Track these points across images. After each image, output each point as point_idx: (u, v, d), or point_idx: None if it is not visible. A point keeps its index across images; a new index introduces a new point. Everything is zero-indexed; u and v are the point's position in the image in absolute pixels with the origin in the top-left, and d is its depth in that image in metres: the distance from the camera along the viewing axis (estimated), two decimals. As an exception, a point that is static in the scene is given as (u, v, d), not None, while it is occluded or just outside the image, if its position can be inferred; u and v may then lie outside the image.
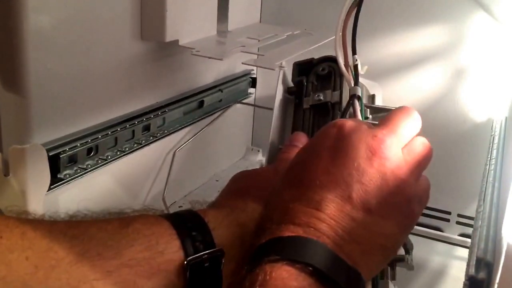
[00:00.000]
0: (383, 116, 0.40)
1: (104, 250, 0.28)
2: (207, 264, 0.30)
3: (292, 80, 0.46)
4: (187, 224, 0.31)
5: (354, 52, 0.43)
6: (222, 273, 0.31)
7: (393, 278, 0.34)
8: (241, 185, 0.37)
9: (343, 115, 0.41)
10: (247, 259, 0.28)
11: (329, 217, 0.28)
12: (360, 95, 0.41)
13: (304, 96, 0.44)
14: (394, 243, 0.30)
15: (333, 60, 0.45)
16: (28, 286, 0.25)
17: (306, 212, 0.28)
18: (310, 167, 0.30)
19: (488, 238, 0.28)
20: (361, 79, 0.43)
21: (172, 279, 0.30)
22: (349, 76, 0.42)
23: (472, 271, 0.26)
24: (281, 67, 0.46)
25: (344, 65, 0.42)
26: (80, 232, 0.28)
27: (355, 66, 0.42)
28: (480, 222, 0.31)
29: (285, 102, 0.45)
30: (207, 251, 0.30)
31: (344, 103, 0.42)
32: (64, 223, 0.29)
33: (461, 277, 0.30)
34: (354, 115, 0.39)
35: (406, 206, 0.30)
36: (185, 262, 0.30)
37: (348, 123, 0.31)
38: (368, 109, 0.42)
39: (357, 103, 0.40)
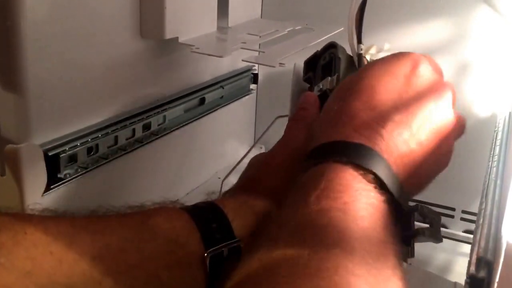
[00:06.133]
0: None
1: (126, 244, 0.28)
2: (227, 255, 0.31)
3: (303, 79, 0.46)
4: (207, 216, 0.32)
5: (359, 41, 0.43)
6: None
7: (411, 255, 0.32)
8: (252, 173, 0.38)
9: None
10: (307, 154, 0.30)
11: (389, 138, 0.30)
12: None
13: (312, 91, 0.44)
14: (431, 177, 0.33)
15: (333, 46, 0.45)
16: (53, 280, 0.26)
17: (371, 126, 0.30)
18: (386, 85, 0.32)
19: (489, 237, 0.28)
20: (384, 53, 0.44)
21: (193, 271, 0.30)
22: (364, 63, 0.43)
23: (473, 269, 0.26)
24: (281, 64, 0.46)
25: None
26: (102, 227, 0.29)
27: (359, 55, 0.43)
28: (481, 220, 0.30)
29: None
30: (226, 243, 0.31)
31: None
32: (85, 218, 0.30)
33: (465, 274, 0.30)
34: None
35: (448, 145, 0.33)
36: (205, 254, 0.30)
37: (424, 60, 0.33)
38: None
39: None
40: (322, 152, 0.30)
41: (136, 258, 0.28)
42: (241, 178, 0.39)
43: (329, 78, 0.42)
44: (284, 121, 0.48)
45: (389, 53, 0.46)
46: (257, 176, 0.37)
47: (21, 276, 0.25)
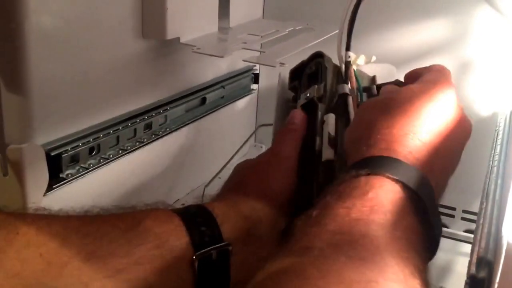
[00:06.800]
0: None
1: (116, 248, 0.29)
2: (215, 259, 0.31)
3: (288, 88, 0.47)
4: (197, 219, 0.32)
5: (348, 48, 0.43)
6: (230, 266, 0.32)
7: None
8: (241, 178, 0.39)
9: (332, 111, 0.41)
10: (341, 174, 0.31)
11: (422, 146, 0.32)
12: (347, 92, 0.41)
13: (298, 99, 0.44)
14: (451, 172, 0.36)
15: (320, 55, 0.46)
16: (41, 282, 0.26)
17: (402, 141, 0.32)
18: (406, 106, 0.34)
19: (490, 236, 0.27)
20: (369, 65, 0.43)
21: (181, 275, 0.31)
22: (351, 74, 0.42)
23: (473, 269, 0.26)
24: (281, 63, 0.46)
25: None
26: (93, 230, 0.29)
27: (347, 63, 0.43)
28: (482, 220, 0.30)
29: (289, 109, 0.46)
30: (215, 246, 0.31)
31: (331, 92, 0.43)
32: (78, 220, 0.30)
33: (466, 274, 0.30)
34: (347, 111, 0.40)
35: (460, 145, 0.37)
36: (194, 257, 0.31)
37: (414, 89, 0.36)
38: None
39: (350, 100, 0.40)
40: (356, 168, 0.30)
41: (125, 263, 0.29)
42: (227, 183, 0.39)
43: (316, 86, 0.43)
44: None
45: (375, 65, 0.47)
46: (245, 181, 0.38)
47: (9, 277, 0.25)
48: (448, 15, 0.61)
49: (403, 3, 0.62)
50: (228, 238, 0.32)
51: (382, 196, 0.28)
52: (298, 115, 0.42)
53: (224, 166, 0.56)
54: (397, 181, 0.29)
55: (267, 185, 0.37)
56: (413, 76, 0.41)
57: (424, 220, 0.29)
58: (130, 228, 0.30)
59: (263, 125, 0.56)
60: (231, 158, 0.57)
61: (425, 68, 0.41)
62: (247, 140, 0.56)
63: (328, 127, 0.39)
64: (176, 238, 0.31)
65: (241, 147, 0.57)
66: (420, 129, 0.33)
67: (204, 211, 0.33)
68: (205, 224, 0.32)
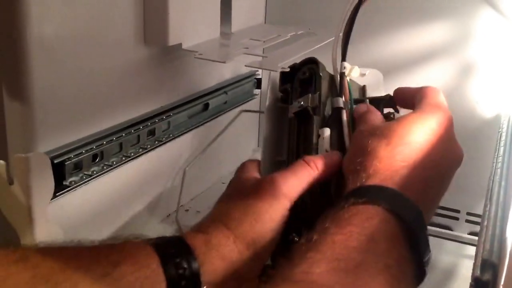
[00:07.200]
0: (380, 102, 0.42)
1: None
2: None
3: (279, 89, 0.47)
4: (176, 259, 0.31)
5: (343, 58, 0.42)
6: None
7: None
8: (231, 209, 0.36)
9: (327, 125, 0.41)
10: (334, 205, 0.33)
11: (419, 177, 0.33)
12: (341, 106, 0.41)
13: (289, 104, 0.44)
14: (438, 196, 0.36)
15: (313, 62, 0.45)
16: None
17: (400, 172, 0.33)
18: (407, 138, 0.35)
19: (494, 238, 0.27)
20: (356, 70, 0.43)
21: None
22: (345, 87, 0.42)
23: (478, 272, 0.25)
24: (283, 68, 0.46)
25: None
26: (64, 278, 0.28)
27: (342, 74, 0.42)
28: (486, 222, 0.30)
29: (278, 112, 0.46)
30: None
31: (324, 104, 0.43)
32: (50, 265, 0.28)
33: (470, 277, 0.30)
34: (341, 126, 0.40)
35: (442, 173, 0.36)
36: None
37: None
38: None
39: (344, 114, 0.40)
40: (363, 195, 0.32)
41: None
42: (217, 206, 0.38)
43: (310, 95, 0.42)
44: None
45: (370, 77, 0.47)
46: (233, 214, 0.36)
47: None
48: (451, 18, 0.61)
49: (404, 6, 0.63)
50: (207, 280, 0.32)
51: (379, 226, 0.30)
52: (336, 159, 0.38)
53: (205, 149, 0.56)
54: (392, 212, 0.31)
55: (255, 229, 0.35)
56: (405, 97, 0.41)
57: (414, 250, 0.30)
58: (105, 276, 0.29)
59: (245, 110, 0.58)
60: (213, 141, 0.57)
61: (419, 90, 0.40)
62: (229, 125, 0.57)
63: (324, 142, 0.39)
64: (152, 284, 0.30)
65: (223, 130, 0.57)
66: (419, 162, 0.34)
67: (185, 250, 0.32)
68: (184, 266, 0.31)
